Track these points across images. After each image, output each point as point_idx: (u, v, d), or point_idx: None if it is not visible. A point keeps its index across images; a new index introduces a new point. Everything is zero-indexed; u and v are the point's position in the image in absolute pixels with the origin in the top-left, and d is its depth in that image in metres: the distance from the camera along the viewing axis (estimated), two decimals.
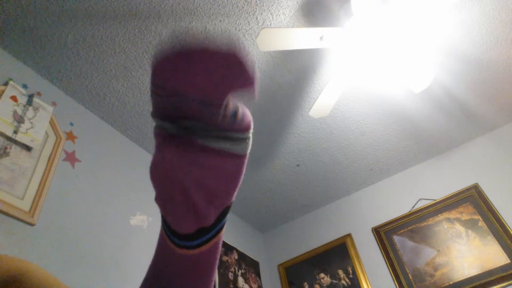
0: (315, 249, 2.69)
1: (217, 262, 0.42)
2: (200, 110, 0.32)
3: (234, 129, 0.34)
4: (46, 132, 1.57)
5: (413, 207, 2.48)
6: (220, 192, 0.36)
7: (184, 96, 0.31)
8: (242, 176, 0.37)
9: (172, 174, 0.34)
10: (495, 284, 1.99)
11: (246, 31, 1.71)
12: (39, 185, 1.42)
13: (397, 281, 2.25)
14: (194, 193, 0.34)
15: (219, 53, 0.29)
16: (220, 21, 1.65)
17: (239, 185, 0.37)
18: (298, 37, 1.52)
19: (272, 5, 1.63)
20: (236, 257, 2.51)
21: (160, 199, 0.36)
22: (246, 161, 0.37)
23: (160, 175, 0.35)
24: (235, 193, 0.37)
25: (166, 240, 0.38)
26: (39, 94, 1.64)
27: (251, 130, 0.35)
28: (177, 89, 0.31)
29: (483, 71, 2.06)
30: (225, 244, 2.45)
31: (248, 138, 0.35)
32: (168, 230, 0.38)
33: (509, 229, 2.07)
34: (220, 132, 0.33)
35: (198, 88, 0.31)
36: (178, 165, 0.33)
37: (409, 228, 2.41)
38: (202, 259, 0.39)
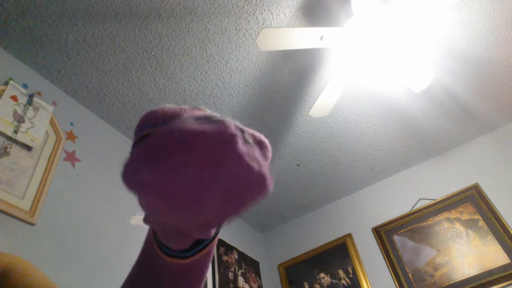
0: (315, 249, 2.69)
1: (208, 269, 0.38)
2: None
3: None
4: (46, 132, 1.57)
5: (413, 207, 2.47)
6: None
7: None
8: None
9: None
10: (495, 284, 1.99)
11: (246, 31, 1.71)
12: (39, 185, 1.42)
13: (397, 281, 2.25)
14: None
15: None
16: (220, 21, 1.65)
17: None
18: (298, 37, 1.52)
19: (272, 5, 1.63)
20: (236, 257, 2.51)
21: (151, 223, 0.31)
22: None
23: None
24: None
25: (155, 247, 0.35)
26: (39, 93, 1.64)
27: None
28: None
29: (483, 71, 2.06)
30: (225, 244, 2.45)
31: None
32: (159, 241, 0.34)
33: (509, 229, 2.07)
34: None
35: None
36: None
37: (409, 228, 2.41)
38: (193, 267, 0.36)
